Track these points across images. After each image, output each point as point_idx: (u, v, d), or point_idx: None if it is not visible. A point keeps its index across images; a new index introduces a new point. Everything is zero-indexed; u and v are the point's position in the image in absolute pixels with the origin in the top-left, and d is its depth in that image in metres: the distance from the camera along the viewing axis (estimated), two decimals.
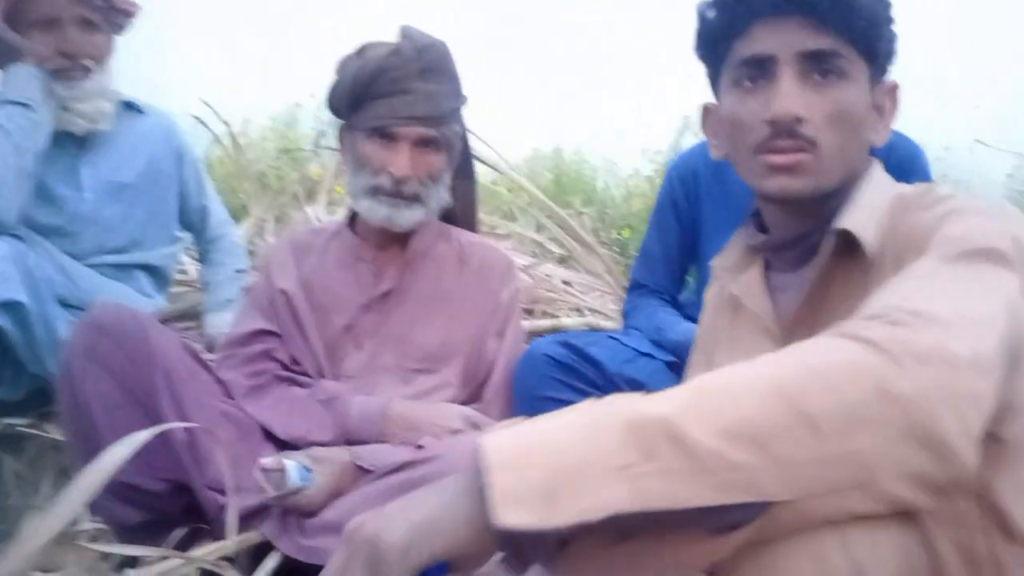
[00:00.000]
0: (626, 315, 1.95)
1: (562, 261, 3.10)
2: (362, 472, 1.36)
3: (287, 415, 1.52)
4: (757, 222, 1.07)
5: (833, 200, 0.96)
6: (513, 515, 0.61)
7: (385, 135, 1.52)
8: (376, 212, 1.55)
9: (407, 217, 1.56)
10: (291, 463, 1.31)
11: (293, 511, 1.34)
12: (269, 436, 1.53)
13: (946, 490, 0.64)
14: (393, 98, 1.51)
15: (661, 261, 1.94)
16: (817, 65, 0.92)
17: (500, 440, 0.64)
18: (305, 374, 1.60)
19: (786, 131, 0.92)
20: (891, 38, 0.97)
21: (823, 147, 0.92)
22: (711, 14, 0.98)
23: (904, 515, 0.66)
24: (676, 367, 1.65)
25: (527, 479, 0.61)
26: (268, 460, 1.33)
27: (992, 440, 0.78)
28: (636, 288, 1.97)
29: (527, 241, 3.16)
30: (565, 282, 2.75)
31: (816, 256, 0.94)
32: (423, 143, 1.53)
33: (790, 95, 0.91)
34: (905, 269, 0.78)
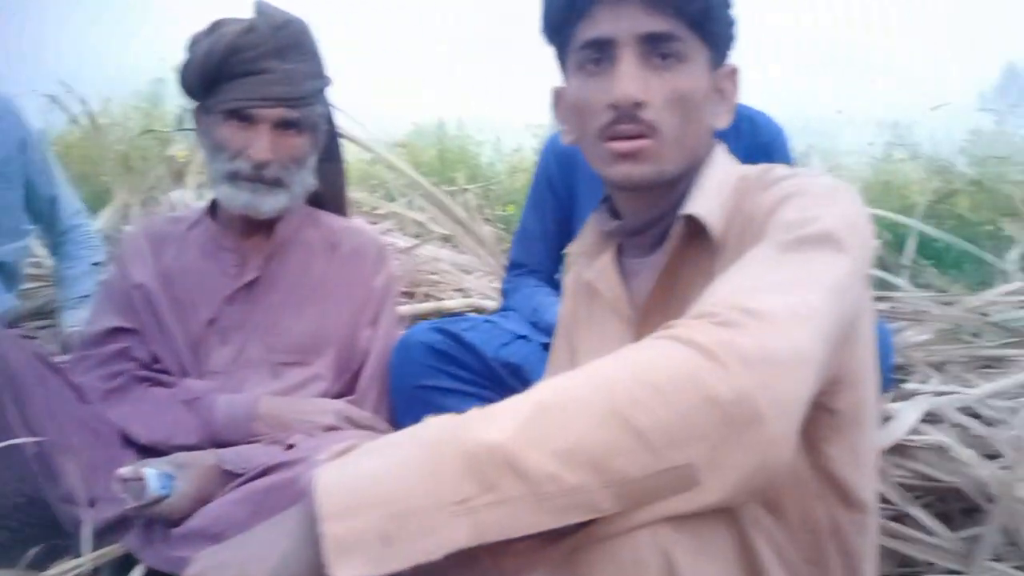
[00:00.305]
0: (505, 295, 1.94)
1: (445, 240, 3.07)
2: (230, 475, 1.30)
3: (148, 418, 1.45)
4: (609, 207, 1.07)
5: (679, 184, 0.97)
6: (349, 566, 0.59)
7: (242, 117, 1.44)
8: (236, 199, 1.48)
9: (269, 203, 1.49)
10: (150, 471, 1.25)
11: (157, 521, 1.28)
12: (130, 442, 1.45)
13: (766, 488, 0.67)
14: (249, 78, 1.43)
15: (539, 239, 1.94)
16: (656, 48, 0.93)
17: (332, 482, 0.62)
18: (167, 372, 1.52)
19: (627, 115, 0.92)
20: (729, 22, 0.98)
21: (664, 131, 0.93)
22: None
23: (721, 511, 0.68)
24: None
25: (361, 527, 0.60)
26: (126, 469, 1.26)
27: (826, 412, 0.82)
28: (514, 267, 1.96)
29: (408, 221, 3.10)
30: (447, 263, 2.72)
31: (666, 241, 0.95)
32: (284, 125, 1.46)
33: (630, 78, 0.91)
34: (742, 257, 0.80)
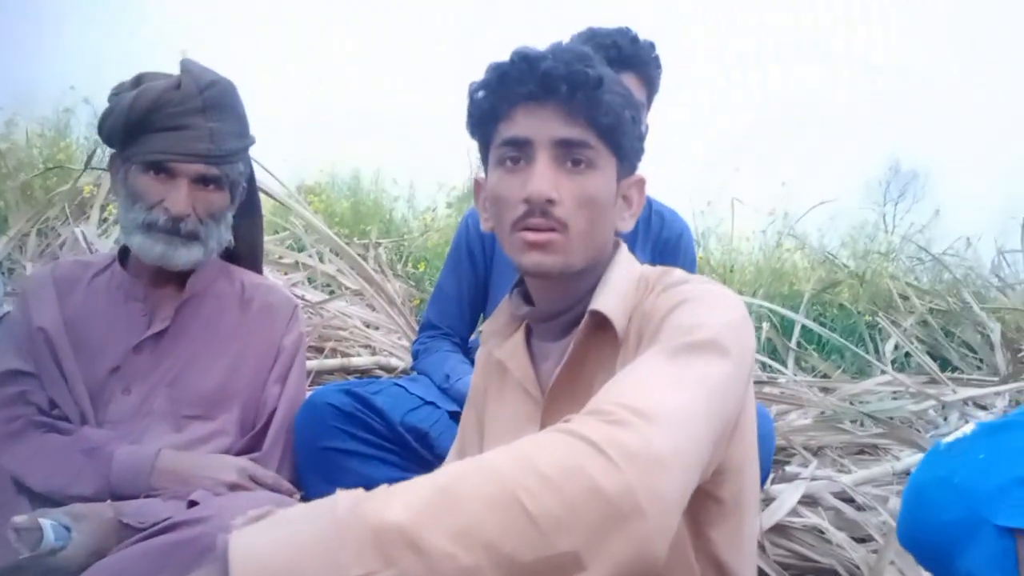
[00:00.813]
0: (415, 355, 1.97)
1: (355, 295, 3.08)
2: (128, 529, 1.27)
3: (45, 466, 1.40)
4: (522, 292, 1.15)
5: (586, 278, 1.07)
6: None
7: (162, 170, 1.46)
8: (151, 250, 1.47)
9: (183, 256, 1.49)
10: (47, 521, 1.22)
11: (52, 573, 1.24)
12: (23, 488, 1.40)
13: (646, 574, 0.72)
14: (171, 133, 1.45)
15: (454, 302, 1.99)
16: (569, 153, 1.01)
17: (246, 549, 0.65)
18: (65, 419, 1.48)
19: (539, 210, 1.00)
20: (638, 137, 1.08)
21: (572, 228, 1.01)
22: (480, 96, 1.06)
23: None
24: (459, 416, 1.69)
25: None
26: (20, 518, 1.22)
27: (711, 499, 0.92)
28: (428, 328, 2.00)
29: (317, 272, 3.10)
30: (355, 319, 2.73)
31: (575, 329, 1.04)
32: (203, 181, 1.48)
33: (544, 177, 1.00)
34: (638, 358, 0.88)
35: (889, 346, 3.43)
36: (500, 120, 1.04)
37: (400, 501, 0.67)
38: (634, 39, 1.83)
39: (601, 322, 1.02)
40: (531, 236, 1.01)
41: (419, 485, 0.69)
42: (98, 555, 1.25)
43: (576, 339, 1.03)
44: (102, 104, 1.53)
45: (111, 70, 1.56)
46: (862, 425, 2.21)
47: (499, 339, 1.16)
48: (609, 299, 1.02)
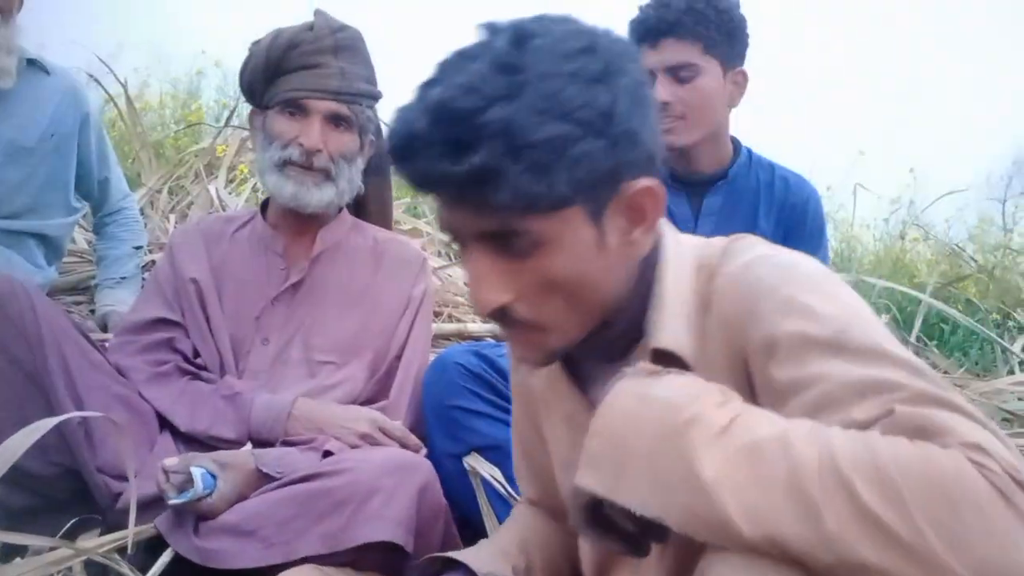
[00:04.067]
0: None
1: None
2: (266, 478, 1.33)
3: (189, 407, 1.48)
4: None
5: (625, 309, 0.86)
6: (585, 478, 0.71)
7: (296, 108, 1.52)
8: (284, 188, 1.53)
9: (316, 196, 1.54)
10: (197, 470, 1.27)
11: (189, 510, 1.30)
12: (164, 424, 1.48)
13: None
14: (305, 71, 1.52)
15: None
16: (504, 243, 0.79)
17: (614, 404, 0.73)
18: (205, 368, 1.56)
19: (500, 320, 0.82)
20: (602, 156, 0.76)
21: (548, 322, 0.82)
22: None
23: None
24: None
25: (608, 453, 0.71)
26: (171, 461, 1.29)
27: None
28: None
29: (436, 240, 3.14)
30: None
31: (634, 348, 0.87)
32: (335, 120, 1.54)
33: (486, 282, 0.80)
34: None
35: (1018, 345, 3.25)
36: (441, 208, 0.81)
37: (716, 455, 0.66)
38: None
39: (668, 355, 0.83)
40: (513, 349, 0.88)
41: (748, 431, 0.67)
42: (236, 503, 1.30)
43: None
44: (231, 68, 1.63)
45: (241, 37, 1.63)
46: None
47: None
48: (670, 329, 0.83)
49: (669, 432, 0.68)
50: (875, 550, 0.60)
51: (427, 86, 0.76)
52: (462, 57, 0.76)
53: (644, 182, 0.80)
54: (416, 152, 0.75)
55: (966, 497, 0.59)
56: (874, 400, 0.68)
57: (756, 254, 0.83)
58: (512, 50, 0.75)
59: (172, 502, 1.25)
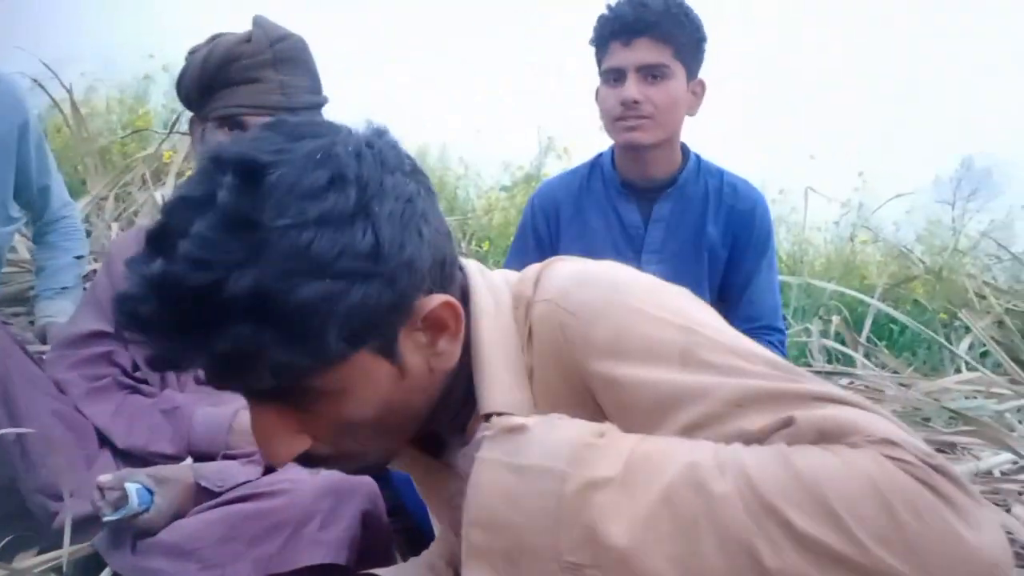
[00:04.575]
0: None
1: None
2: (206, 492, 1.30)
3: (128, 423, 1.44)
4: None
5: (448, 393, 0.78)
6: (478, 570, 0.63)
7: (235, 125, 1.46)
8: None
9: None
10: (132, 486, 1.24)
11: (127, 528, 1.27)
12: (104, 441, 1.44)
13: None
14: (243, 87, 1.46)
15: None
16: (284, 400, 0.70)
17: (488, 486, 0.64)
18: (145, 382, 1.52)
19: (306, 463, 0.75)
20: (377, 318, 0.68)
21: (356, 452, 0.75)
22: None
23: None
24: None
25: (492, 542, 0.63)
26: (106, 478, 1.25)
27: None
28: None
29: None
30: None
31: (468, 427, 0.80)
32: None
33: (275, 439, 0.71)
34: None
35: (964, 345, 3.33)
36: None
37: (624, 516, 0.60)
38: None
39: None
40: None
41: (651, 478, 0.61)
42: (174, 518, 1.27)
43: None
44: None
45: (189, 40, 1.59)
46: (937, 423, 2.15)
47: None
48: (500, 391, 0.76)
49: (563, 506, 0.61)
50: (823, 575, 0.57)
51: (148, 256, 0.63)
52: (186, 206, 0.63)
53: (437, 298, 0.71)
54: (150, 336, 0.63)
55: (897, 498, 0.57)
56: (760, 409, 0.65)
57: (570, 277, 0.77)
58: (243, 197, 0.62)
59: (107, 519, 1.22)
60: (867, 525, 0.57)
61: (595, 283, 0.75)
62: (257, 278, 0.60)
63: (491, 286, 0.80)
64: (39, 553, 1.32)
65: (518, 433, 0.65)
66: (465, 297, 0.78)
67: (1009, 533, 1.52)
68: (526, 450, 0.64)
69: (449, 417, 0.80)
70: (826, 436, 0.62)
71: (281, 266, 0.61)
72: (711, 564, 0.58)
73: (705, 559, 0.58)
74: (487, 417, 0.73)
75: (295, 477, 1.29)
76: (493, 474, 0.64)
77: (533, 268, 0.81)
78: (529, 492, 0.62)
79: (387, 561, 1.27)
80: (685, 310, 0.74)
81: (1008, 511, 1.60)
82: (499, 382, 0.76)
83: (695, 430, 0.66)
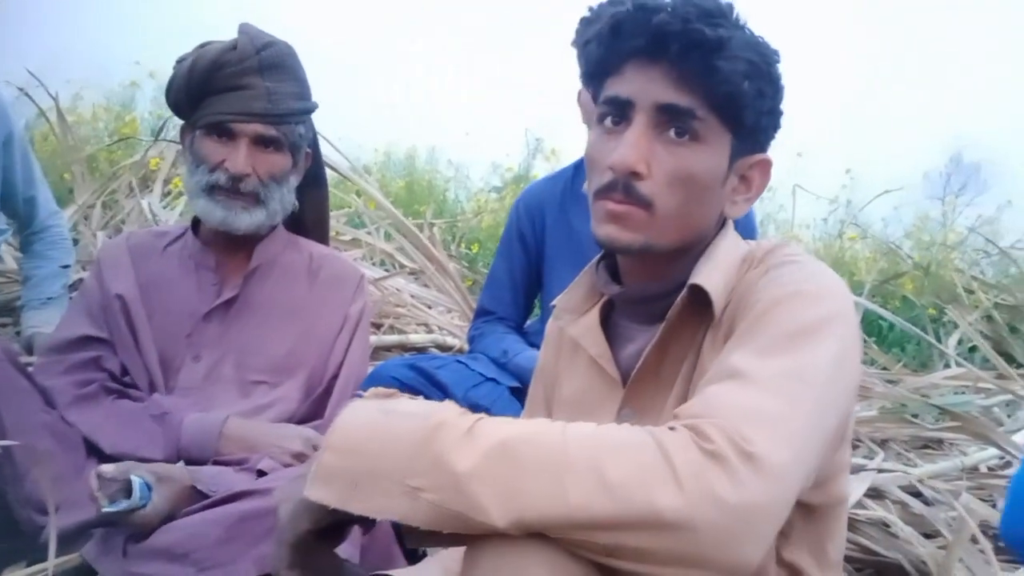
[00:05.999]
0: (472, 340, 1.97)
1: (412, 274, 3.09)
2: (200, 496, 1.29)
3: (116, 429, 1.44)
4: (609, 266, 1.03)
5: (681, 259, 0.95)
6: (316, 492, 0.74)
7: (222, 132, 1.48)
8: (212, 213, 1.50)
9: (245, 220, 1.51)
10: (136, 478, 1.23)
11: (117, 532, 1.26)
12: (93, 450, 1.44)
13: None
14: (230, 94, 1.47)
15: (508, 289, 1.98)
16: (673, 121, 0.89)
17: (350, 420, 0.76)
18: (134, 386, 1.52)
19: (622, 184, 0.89)
20: (764, 112, 0.92)
21: (659, 207, 0.90)
22: (591, 48, 0.95)
23: None
24: (519, 392, 1.69)
25: (344, 465, 0.73)
26: (109, 467, 1.24)
27: (801, 507, 0.83)
28: (483, 314, 2.00)
29: (377, 251, 3.12)
30: (414, 297, 2.74)
31: (669, 313, 0.93)
32: (263, 142, 1.50)
33: (634, 147, 0.89)
34: (736, 352, 0.81)
35: (953, 340, 3.35)
36: (609, 75, 0.93)
37: (467, 451, 0.71)
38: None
39: (699, 298, 0.91)
40: (611, 205, 0.90)
41: (495, 432, 0.73)
42: (168, 518, 1.27)
43: (670, 317, 0.93)
44: (166, 79, 1.56)
45: (176, 46, 1.59)
46: (926, 419, 2.16)
47: (574, 315, 1.05)
48: (712, 276, 0.91)
49: (418, 439, 0.72)
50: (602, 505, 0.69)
51: None
52: None
53: (764, 156, 0.97)
54: (657, 12, 0.87)
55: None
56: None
57: (791, 256, 0.93)
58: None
59: (105, 510, 1.21)
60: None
61: (801, 260, 0.92)
62: (751, 42, 0.89)
63: (737, 237, 1.00)
64: (28, 566, 1.30)
65: (391, 397, 0.80)
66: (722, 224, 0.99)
67: (994, 529, 1.53)
68: (396, 404, 0.78)
69: (652, 298, 0.97)
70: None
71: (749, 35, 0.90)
72: (526, 497, 0.70)
73: (523, 494, 0.70)
74: (691, 288, 0.91)
75: (291, 475, 1.30)
76: (363, 411, 0.77)
77: (768, 242, 1.00)
78: (392, 427, 0.74)
79: (388, 560, 1.28)
80: (821, 316, 0.84)
81: (994, 507, 1.61)
82: (716, 276, 0.92)
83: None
